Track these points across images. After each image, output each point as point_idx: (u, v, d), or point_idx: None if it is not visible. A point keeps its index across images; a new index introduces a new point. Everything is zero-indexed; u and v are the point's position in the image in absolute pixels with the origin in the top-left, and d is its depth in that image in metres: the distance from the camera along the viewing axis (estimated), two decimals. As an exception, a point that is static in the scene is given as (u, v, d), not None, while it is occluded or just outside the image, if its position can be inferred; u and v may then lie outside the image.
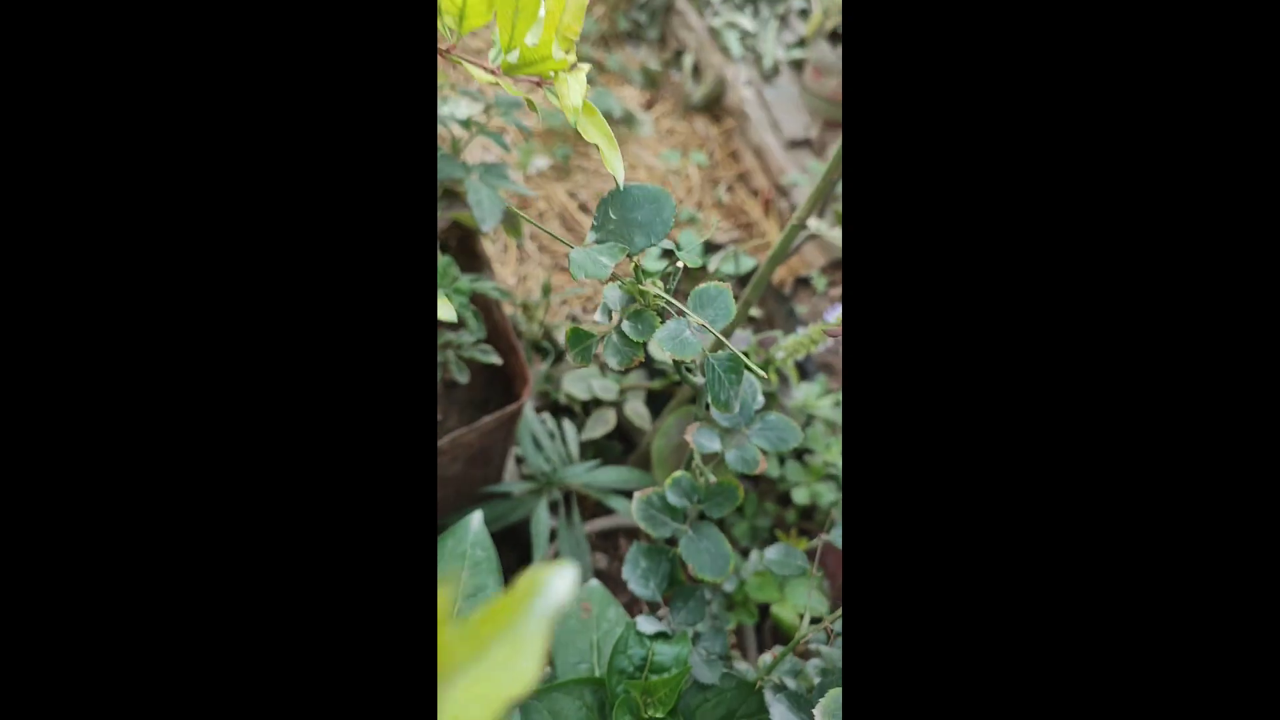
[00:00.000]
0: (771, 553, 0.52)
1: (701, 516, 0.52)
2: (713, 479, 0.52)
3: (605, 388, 1.02)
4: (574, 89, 0.30)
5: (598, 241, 0.40)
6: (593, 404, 1.04)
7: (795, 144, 1.47)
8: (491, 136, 0.80)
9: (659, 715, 0.46)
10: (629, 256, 0.40)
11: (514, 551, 0.92)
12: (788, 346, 0.75)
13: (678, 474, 0.52)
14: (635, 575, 0.52)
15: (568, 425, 0.96)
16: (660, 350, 0.40)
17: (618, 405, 1.02)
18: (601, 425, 0.99)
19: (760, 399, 0.52)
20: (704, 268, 1.13)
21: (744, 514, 0.92)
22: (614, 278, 0.43)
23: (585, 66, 0.31)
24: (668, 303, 0.41)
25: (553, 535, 0.88)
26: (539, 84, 0.32)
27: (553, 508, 0.88)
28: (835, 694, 0.40)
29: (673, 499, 0.52)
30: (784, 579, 0.75)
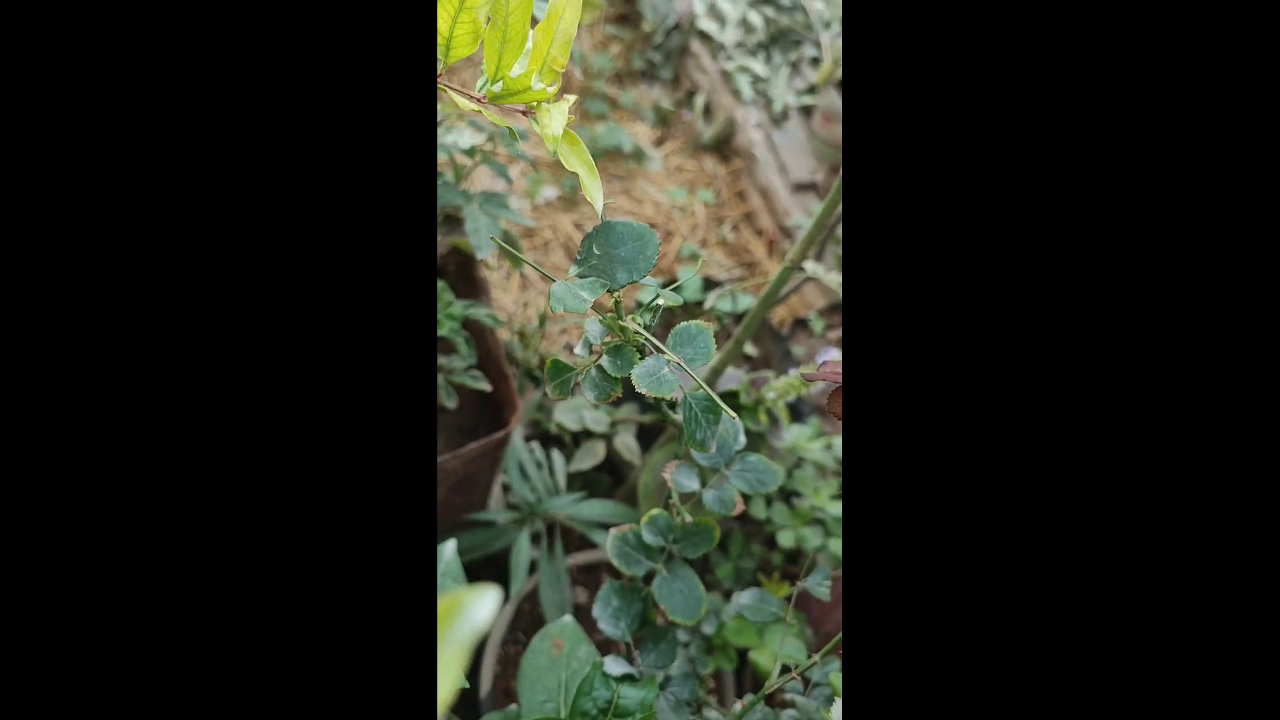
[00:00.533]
0: (745, 598, 0.51)
1: (677, 556, 0.52)
2: (689, 519, 0.51)
3: (597, 419, 1.01)
4: (555, 119, 0.30)
5: (580, 275, 0.40)
6: (583, 435, 1.04)
7: (801, 187, 1.48)
8: (495, 167, 0.80)
9: (620, 760, 0.45)
10: (610, 292, 0.40)
11: (494, 581, 0.90)
12: (778, 387, 0.75)
13: (654, 512, 0.51)
14: (606, 614, 0.51)
15: (556, 455, 0.95)
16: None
17: (608, 438, 1.02)
18: (590, 457, 0.98)
19: (741, 439, 0.51)
20: (702, 304, 1.13)
21: (729, 554, 0.91)
22: (598, 311, 0.42)
23: (570, 98, 0.31)
24: (646, 340, 0.40)
25: (534, 567, 0.87)
26: (524, 112, 0.32)
27: (535, 539, 0.87)
28: (799, 749, 0.38)
29: (648, 537, 0.51)
30: (762, 624, 0.73)
